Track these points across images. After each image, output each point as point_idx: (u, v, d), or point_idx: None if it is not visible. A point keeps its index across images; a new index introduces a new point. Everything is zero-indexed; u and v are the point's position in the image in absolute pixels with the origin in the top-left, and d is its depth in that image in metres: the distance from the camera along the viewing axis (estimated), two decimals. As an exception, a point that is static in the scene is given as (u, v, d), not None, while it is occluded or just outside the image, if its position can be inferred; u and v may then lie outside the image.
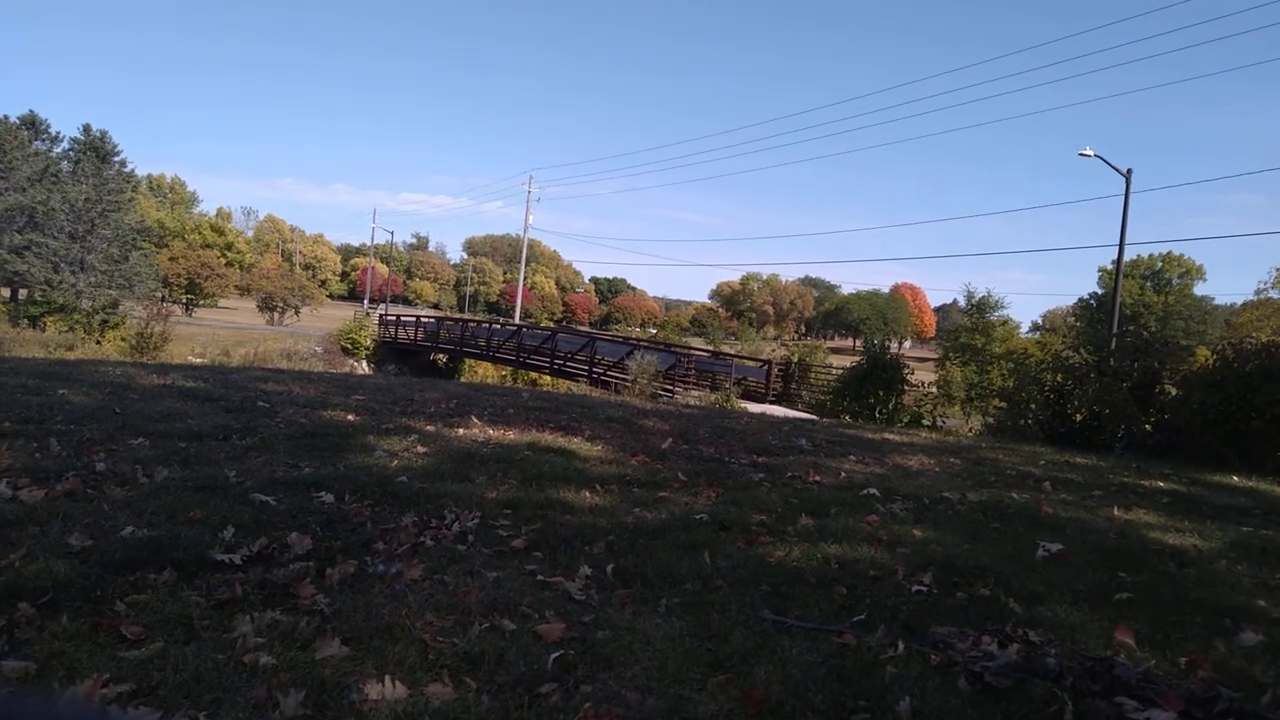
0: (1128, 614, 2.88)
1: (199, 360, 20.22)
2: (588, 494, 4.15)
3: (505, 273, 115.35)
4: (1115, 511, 4.71)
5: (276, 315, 57.09)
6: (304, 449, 4.64)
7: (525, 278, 63.26)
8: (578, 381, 21.94)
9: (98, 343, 26.57)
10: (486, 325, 35.96)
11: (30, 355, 15.84)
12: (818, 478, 5.16)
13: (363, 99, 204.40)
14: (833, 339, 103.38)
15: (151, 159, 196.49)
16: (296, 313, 59.52)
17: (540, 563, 3.02)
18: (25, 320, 29.97)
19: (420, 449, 4.96)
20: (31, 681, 1.89)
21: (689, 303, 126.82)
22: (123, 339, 25.45)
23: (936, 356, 31.85)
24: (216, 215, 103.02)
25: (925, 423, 14.97)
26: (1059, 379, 11.46)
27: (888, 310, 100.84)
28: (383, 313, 43.72)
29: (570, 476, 4.50)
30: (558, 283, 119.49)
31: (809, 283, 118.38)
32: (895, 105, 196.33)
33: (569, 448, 5.47)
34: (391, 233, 77.16)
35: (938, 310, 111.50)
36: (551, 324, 68.51)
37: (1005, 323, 33.34)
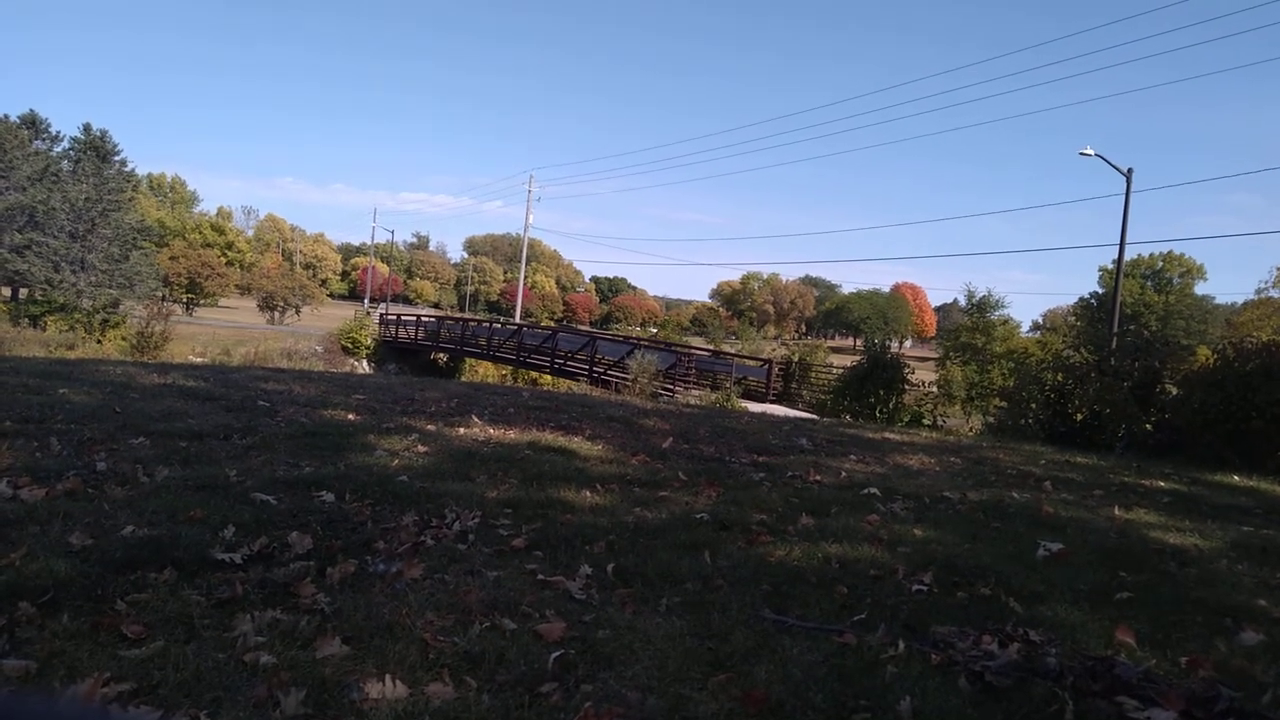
0: (1128, 613, 2.87)
1: (199, 359, 20.22)
2: (588, 493, 4.15)
3: (506, 272, 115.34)
4: (1116, 511, 4.71)
5: (277, 314, 57.09)
6: (304, 448, 4.64)
7: (526, 277, 63.26)
8: (578, 381, 21.96)
9: (98, 342, 26.56)
10: (487, 324, 36.01)
11: (31, 354, 15.85)
12: (818, 477, 5.15)
13: (363, 99, 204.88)
14: (833, 338, 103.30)
15: (152, 158, 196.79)
16: (297, 312, 59.54)
17: (541, 562, 3.02)
18: (26, 319, 29.96)
19: (421, 448, 4.96)
20: (32, 680, 1.90)
21: (689, 302, 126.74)
22: (123, 338, 25.46)
23: (937, 356, 31.85)
24: (217, 214, 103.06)
25: (926, 422, 14.97)
26: (1059, 378, 11.46)
27: (888, 310, 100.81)
28: (383, 312, 43.74)
29: (571, 476, 4.50)
30: (558, 282, 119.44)
31: (809, 282, 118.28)
32: (894, 105, 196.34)
33: (569, 447, 5.47)
34: (392, 232, 77.32)
35: (938, 310, 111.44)
36: (552, 323, 68.40)
37: (1006, 322, 33.28)
